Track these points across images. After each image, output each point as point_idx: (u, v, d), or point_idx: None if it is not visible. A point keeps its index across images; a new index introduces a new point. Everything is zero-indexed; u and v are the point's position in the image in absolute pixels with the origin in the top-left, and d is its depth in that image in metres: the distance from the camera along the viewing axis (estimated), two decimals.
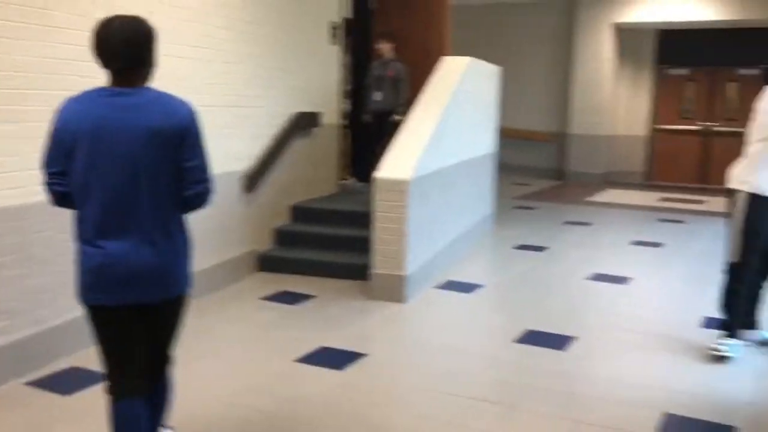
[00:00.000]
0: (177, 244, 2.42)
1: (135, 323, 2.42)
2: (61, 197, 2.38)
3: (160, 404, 2.65)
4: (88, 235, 2.33)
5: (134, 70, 2.32)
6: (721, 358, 4.02)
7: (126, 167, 2.27)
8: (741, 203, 3.91)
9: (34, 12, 3.57)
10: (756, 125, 3.87)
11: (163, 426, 2.71)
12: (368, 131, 7.47)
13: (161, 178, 2.32)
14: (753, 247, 3.94)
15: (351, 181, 7.71)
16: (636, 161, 12.49)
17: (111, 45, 2.26)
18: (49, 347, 3.75)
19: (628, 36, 12.27)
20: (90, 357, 3.85)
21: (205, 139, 2.41)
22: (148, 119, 2.28)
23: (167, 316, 2.51)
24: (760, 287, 4.16)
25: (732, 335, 4.10)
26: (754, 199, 3.87)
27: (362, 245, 5.50)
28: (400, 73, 7.25)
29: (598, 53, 11.94)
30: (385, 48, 7.30)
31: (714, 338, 4.17)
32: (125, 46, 2.27)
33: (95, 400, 3.40)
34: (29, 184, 3.55)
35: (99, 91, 2.32)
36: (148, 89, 2.35)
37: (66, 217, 3.81)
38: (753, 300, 4.17)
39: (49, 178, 2.35)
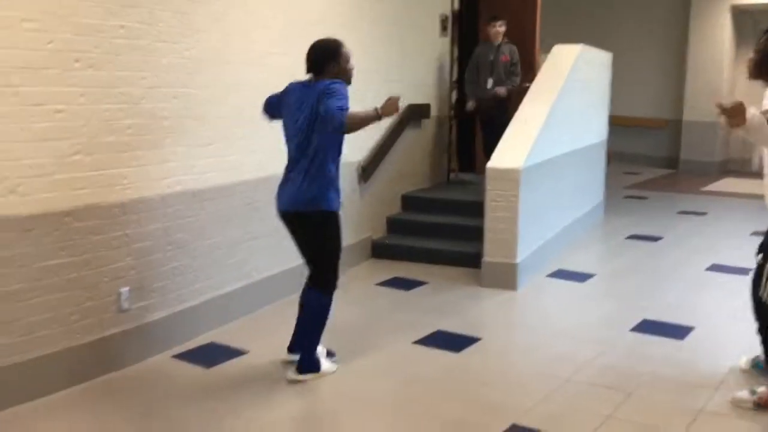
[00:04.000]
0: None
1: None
2: None
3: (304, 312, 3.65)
4: None
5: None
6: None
7: None
8: None
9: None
10: None
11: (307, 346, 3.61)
12: (478, 120, 7.22)
13: None
14: None
15: (458, 175, 7.43)
16: (755, 148, 11.88)
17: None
18: (190, 324, 4.09)
19: (746, 18, 11.65)
20: (226, 333, 4.20)
21: None
22: None
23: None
24: None
25: None
26: None
27: (472, 234, 5.61)
28: (514, 57, 6.82)
29: (716, 36, 11.41)
30: (499, 30, 6.84)
31: None
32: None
33: (234, 372, 3.71)
34: (170, 176, 3.90)
35: None
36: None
37: (203, 204, 4.16)
38: None
39: None
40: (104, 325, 3.60)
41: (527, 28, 7.35)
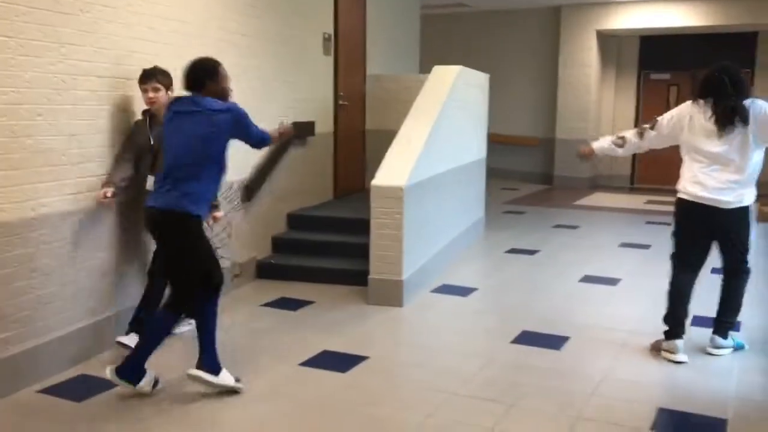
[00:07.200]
0: None
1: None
2: None
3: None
4: None
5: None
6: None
7: None
8: None
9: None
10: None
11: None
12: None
13: None
14: None
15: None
16: (621, 165, 12.70)
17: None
18: (57, 356, 3.83)
19: (611, 42, 12.50)
20: (97, 365, 3.95)
21: None
22: None
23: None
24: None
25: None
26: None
27: (358, 251, 5.61)
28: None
29: (583, 59, 12.15)
30: (151, 96, 4.13)
31: (707, 337, 4.31)
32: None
33: (105, 406, 3.50)
34: (34, 198, 3.64)
35: None
36: None
37: (73, 227, 3.91)
38: None
39: None
40: None
41: None
